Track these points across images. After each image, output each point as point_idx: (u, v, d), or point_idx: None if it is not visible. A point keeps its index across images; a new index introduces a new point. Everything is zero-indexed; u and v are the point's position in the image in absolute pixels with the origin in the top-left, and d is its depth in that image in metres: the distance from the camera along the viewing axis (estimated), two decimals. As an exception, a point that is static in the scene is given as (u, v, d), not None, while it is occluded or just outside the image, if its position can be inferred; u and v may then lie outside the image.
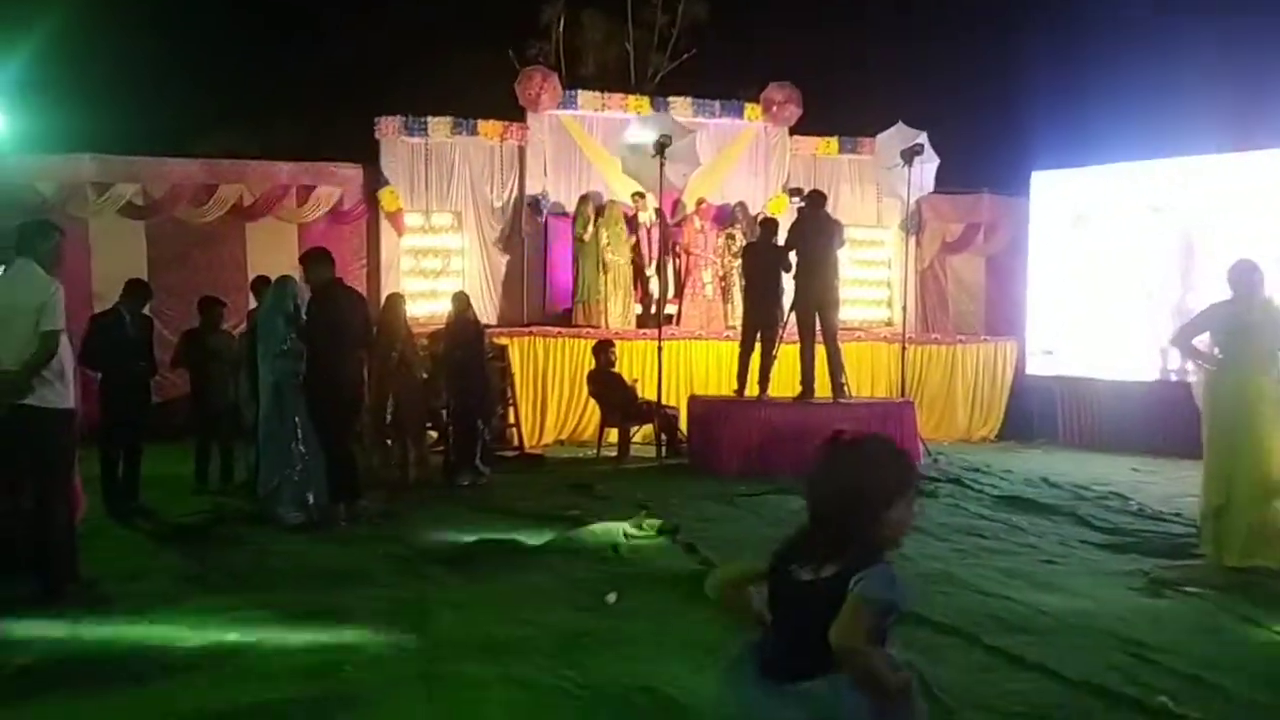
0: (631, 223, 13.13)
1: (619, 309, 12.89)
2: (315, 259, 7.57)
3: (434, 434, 10.18)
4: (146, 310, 8.26)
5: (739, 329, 11.03)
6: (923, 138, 10.90)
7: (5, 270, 5.63)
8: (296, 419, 7.36)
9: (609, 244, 12.82)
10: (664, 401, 10.80)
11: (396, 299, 9.75)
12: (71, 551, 5.49)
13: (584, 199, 13.11)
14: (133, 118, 13.15)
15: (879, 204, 14.74)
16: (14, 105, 8.12)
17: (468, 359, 9.48)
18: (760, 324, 10.32)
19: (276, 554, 6.48)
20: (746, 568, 2.39)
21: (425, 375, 9.72)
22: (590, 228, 12.87)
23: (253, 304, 9.13)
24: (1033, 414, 13.30)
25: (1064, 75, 15.48)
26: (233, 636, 4.73)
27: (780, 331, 10.43)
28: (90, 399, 7.56)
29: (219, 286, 10.54)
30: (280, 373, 7.41)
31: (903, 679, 2.18)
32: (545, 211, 13.62)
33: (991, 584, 5.75)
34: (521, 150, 13.69)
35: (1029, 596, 5.48)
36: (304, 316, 7.47)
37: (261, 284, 8.55)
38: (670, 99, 13.91)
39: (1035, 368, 13.22)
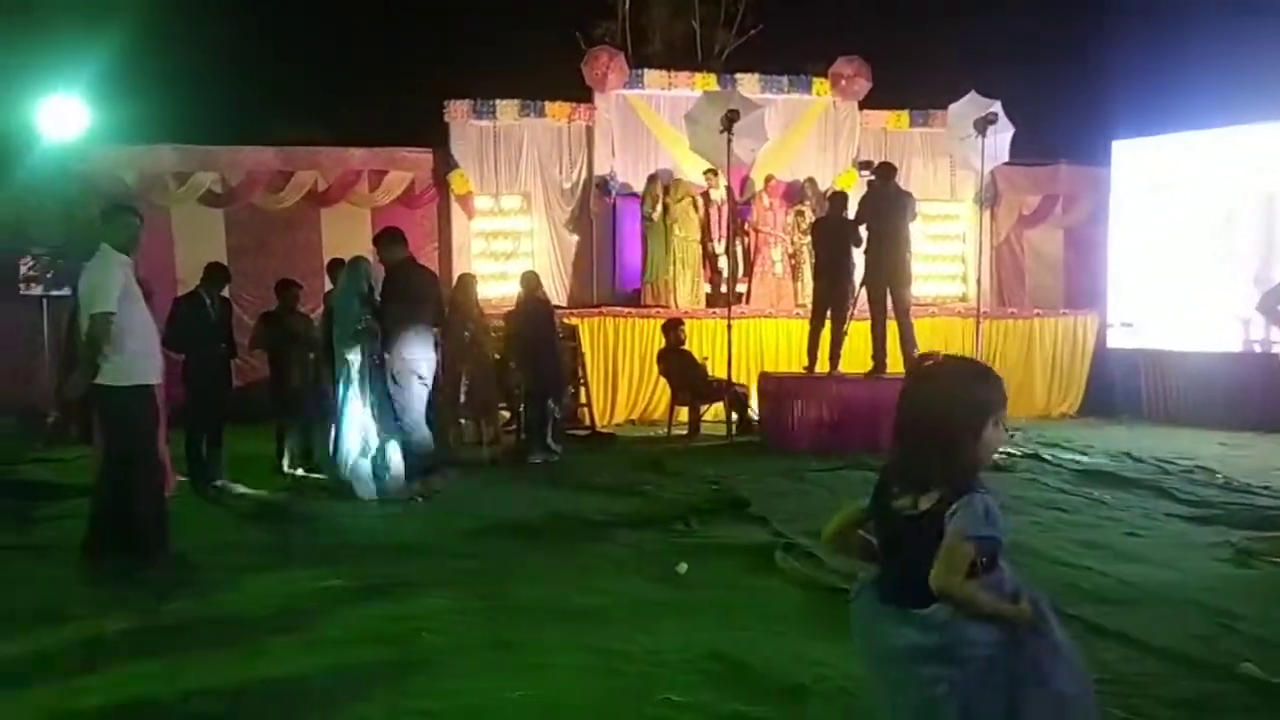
0: (703, 200, 13.08)
1: (687, 288, 12.87)
2: (389, 238, 7.70)
3: (507, 413, 10.29)
4: (225, 293, 8.47)
5: (809, 306, 10.94)
6: (996, 106, 10.66)
7: (92, 258, 5.82)
8: (372, 397, 7.49)
9: (677, 223, 12.80)
10: (734, 380, 10.77)
11: (468, 279, 9.86)
12: (161, 523, 5.68)
13: (652, 178, 13.09)
14: (211, 108, 13.46)
15: (952, 177, 14.49)
16: (99, 98, 8.33)
17: (538, 338, 9.55)
18: (830, 300, 10.22)
19: (354, 529, 6.63)
20: (853, 511, 2.41)
21: (497, 355, 9.83)
22: (658, 207, 12.86)
23: (328, 286, 9.30)
24: (1115, 388, 12.97)
25: (1145, 40, 15.00)
26: (313, 605, 4.85)
27: (851, 307, 10.32)
28: (174, 381, 7.78)
29: (295, 271, 10.73)
30: (357, 352, 7.55)
31: (1023, 609, 2.18)
32: (613, 192, 13.64)
33: (1071, 555, 5.64)
34: (589, 130, 13.72)
35: (1111, 567, 5.37)
36: (378, 296, 7.60)
37: (337, 266, 8.70)
38: (737, 76, 13.81)
39: (1116, 341, 12.89)
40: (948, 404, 2.22)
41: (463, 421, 9.58)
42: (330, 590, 5.10)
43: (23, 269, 11.04)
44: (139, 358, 5.48)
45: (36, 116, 7.84)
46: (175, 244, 12.48)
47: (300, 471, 8.56)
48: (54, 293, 10.92)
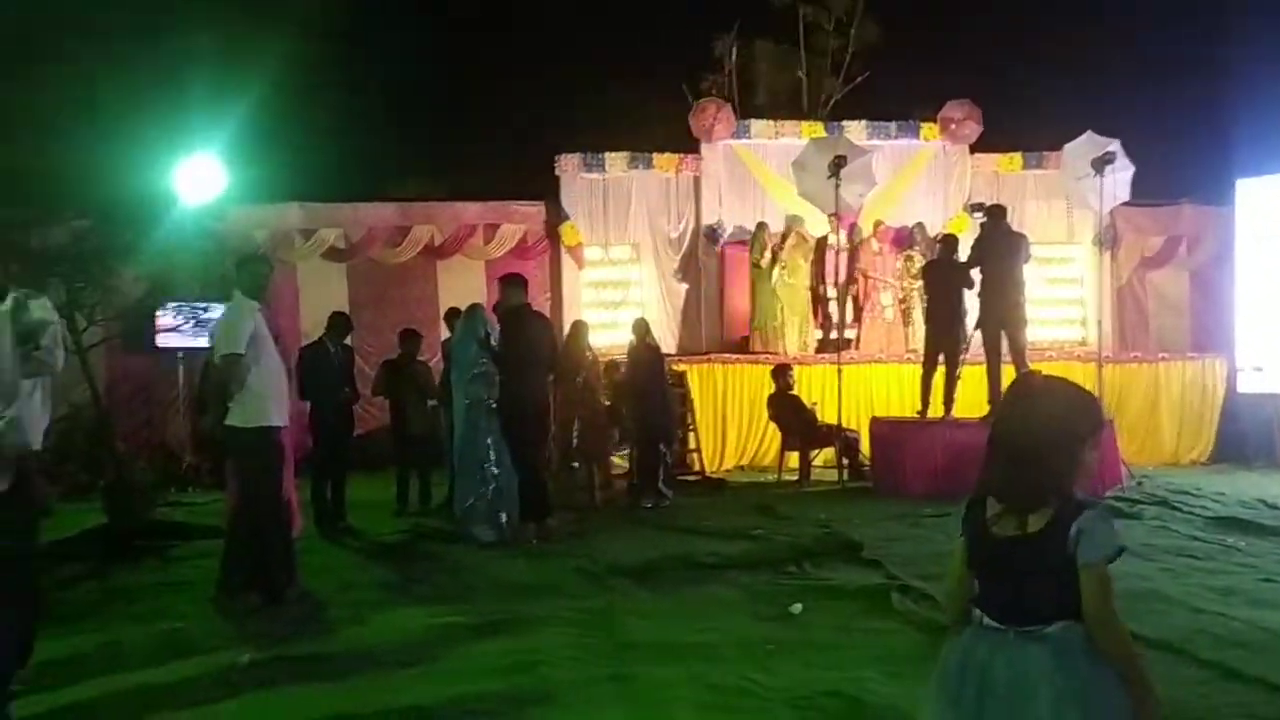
0: (818, 246, 13.09)
1: (795, 335, 12.84)
2: (512, 281, 7.98)
3: (618, 459, 10.39)
4: (348, 341, 8.81)
5: (920, 351, 10.81)
6: (1115, 145, 10.45)
7: (225, 307, 6.15)
8: (489, 440, 7.66)
9: (786, 269, 12.82)
10: (844, 425, 10.68)
11: (580, 326, 10.04)
12: (290, 561, 5.91)
13: (760, 226, 13.15)
14: (334, 167, 14.05)
15: (1069, 219, 14.19)
16: (233, 159, 8.81)
17: (648, 384, 9.65)
18: (943, 344, 10.09)
19: (472, 568, 6.77)
20: (957, 564, 2.37)
21: (608, 401, 9.96)
22: (766, 254, 12.90)
23: (444, 335, 9.58)
24: (1246, 435, 12.41)
25: (1269, 75, 14.54)
26: (435, 639, 4.98)
27: (963, 351, 10.16)
28: (301, 428, 8.10)
29: (412, 322, 11.07)
30: (473, 396, 7.75)
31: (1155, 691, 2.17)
32: (721, 240, 13.76)
33: (1205, 601, 5.43)
34: (697, 181, 13.90)
35: (1246, 613, 5.15)
36: (494, 343, 7.81)
37: (453, 315, 8.98)
38: (844, 123, 13.84)
39: (1247, 385, 12.36)
40: (1061, 420, 2.20)
41: (574, 466, 9.70)
42: (450, 626, 5.23)
43: (159, 322, 11.65)
44: (266, 400, 5.69)
45: (176, 178, 8.32)
46: (300, 297, 13.02)
47: (420, 515, 8.78)
48: (188, 345, 11.49)
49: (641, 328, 10.03)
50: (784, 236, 12.96)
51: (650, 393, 9.62)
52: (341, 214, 13.54)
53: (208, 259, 8.80)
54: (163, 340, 11.66)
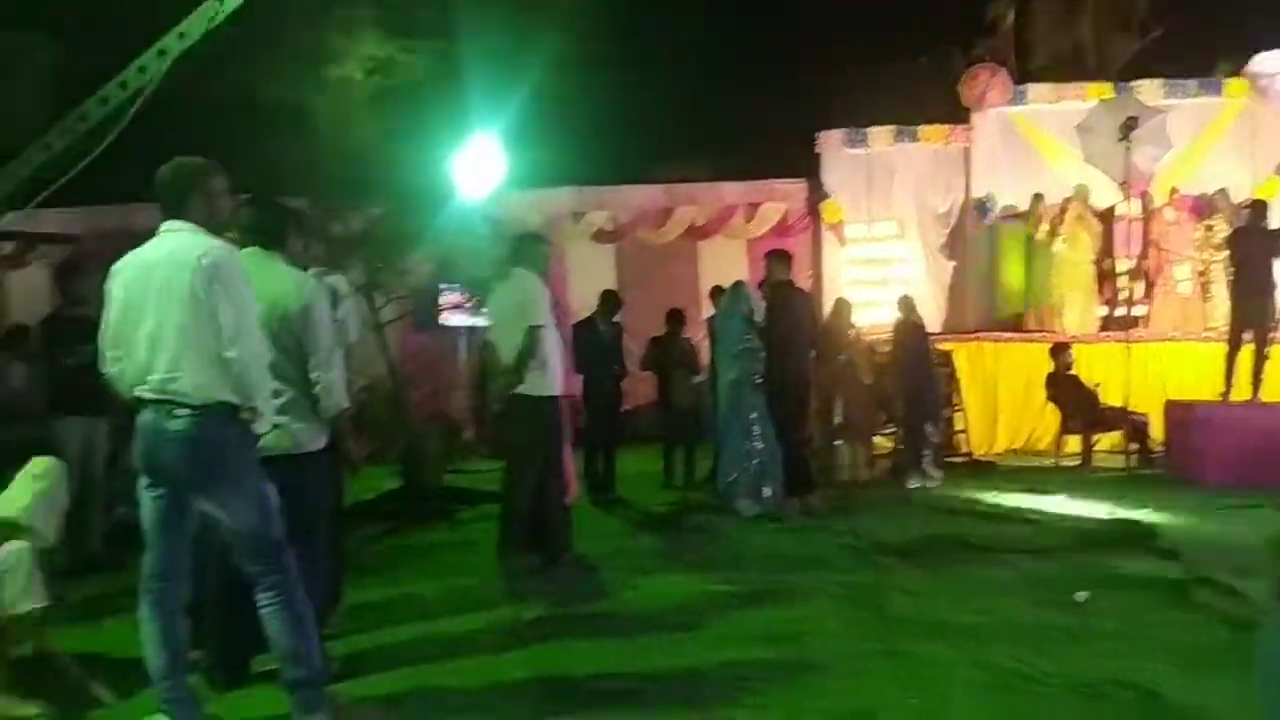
0: (1104, 217, 12.26)
1: (1076, 312, 12.07)
2: (778, 257, 8.08)
3: (883, 440, 10.19)
4: (617, 319, 9.11)
5: (1221, 328, 9.91)
6: None
7: (501, 284, 6.46)
8: (753, 415, 7.72)
9: (1066, 243, 12.08)
10: (1129, 408, 9.96)
11: (843, 304, 9.91)
12: (566, 527, 6.20)
13: (1037, 198, 12.44)
14: (604, 150, 14.51)
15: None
16: (512, 145, 9.28)
17: (913, 362, 9.41)
18: (1250, 318, 9.20)
19: (737, 540, 6.86)
20: None
21: (869, 380, 9.78)
22: (1043, 227, 12.21)
23: (707, 313, 9.70)
24: None
25: None
26: (704, 606, 5.09)
27: (1274, 327, 9.23)
28: (573, 401, 8.45)
29: (675, 301, 11.27)
30: (737, 371, 7.82)
31: None
32: (992, 214, 13.13)
33: None
34: (966, 152, 13.33)
35: None
36: (758, 319, 7.85)
37: (718, 292, 9.10)
38: (1136, 83, 12.82)
39: None
40: None
41: (837, 444, 9.59)
42: (718, 594, 5.33)
43: (444, 301, 12.47)
44: (554, 371, 5.99)
45: (458, 165, 8.86)
46: (568, 278, 13.57)
47: (685, 488, 8.97)
48: (470, 323, 12.23)
49: (907, 304, 9.83)
50: (1063, 208, 12.19)
51: (915, 371, 9.38)
52: (610, 196, 13.98)
53: (487, 243, 9.36)
54: (447, 318, 12.47)
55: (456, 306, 12.20)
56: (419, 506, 8.12)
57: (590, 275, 13.26)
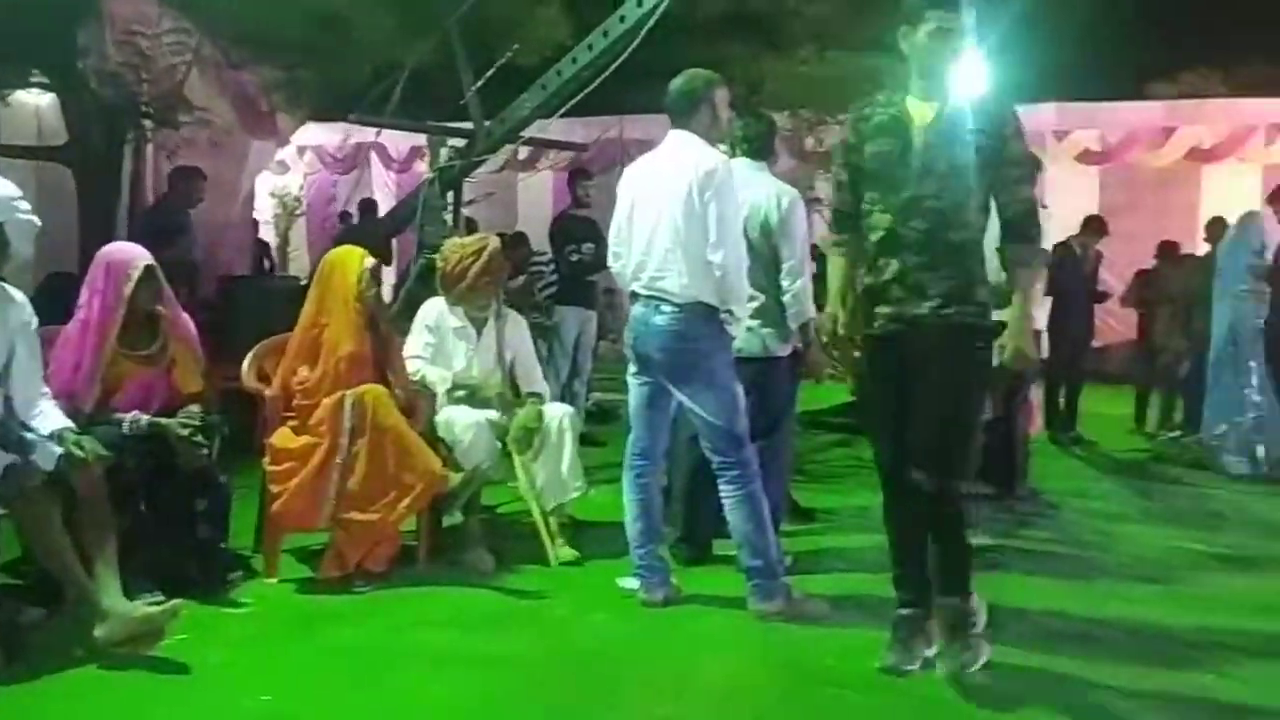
0: None
1: None
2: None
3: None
4: (1099, 246, 8.48)
5: None
6: None
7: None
8: (1253, 364, 6.89)
9: None
10: None
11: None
12: (1024, 459, 5.96)
13: None
14: (1094, 65, 13.35)
15: None
16: (993, 56, 8.82)
17: None
18: None
19: (1218, 499, 6.22)
20: None
21: None
22: None
23: (1203, 249, 8.71)
24: None
25: None
26: (1175, 563, 4.72)
27: None
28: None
29: (1169, 232, 10.21)
30: (1237, 314, 7.00)
31: None
32: None
33: None
34: None
35: None
36: (1268, 258, 6.94)
37: (1216, 225, 8.14)
38: None
39: None
40: None
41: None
42: (1193, 554, 4.91)
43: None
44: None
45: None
46: (1050, 202, 12.70)
47: (1163, 435, 8.24)
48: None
49: None
50: None
51: None
52: (1100, 115, 12.87)
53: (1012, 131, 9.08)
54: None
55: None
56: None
57: (1070, 200, 12.35)
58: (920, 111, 3.20)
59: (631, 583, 4.00)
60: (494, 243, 4.85)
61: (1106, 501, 6.08)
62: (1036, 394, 6.83)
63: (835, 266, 3.48)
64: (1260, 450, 6.84)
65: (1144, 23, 14.22)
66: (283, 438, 4.19)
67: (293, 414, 4.25)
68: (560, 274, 7.41)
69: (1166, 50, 14.36)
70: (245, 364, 4.51)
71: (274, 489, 4.09)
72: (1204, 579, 4.52)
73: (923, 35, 3.17)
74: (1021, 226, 3.22)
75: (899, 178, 3.19)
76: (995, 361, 3.29)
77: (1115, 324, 10.36)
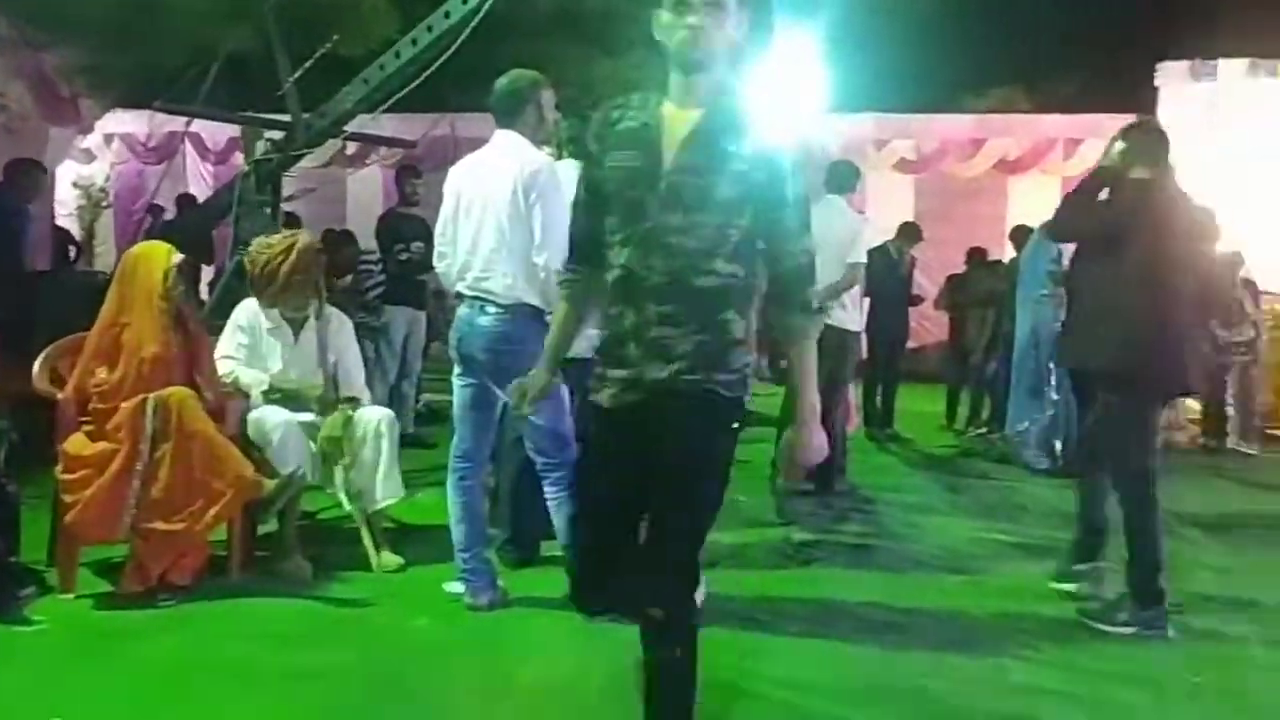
0: None
1: None
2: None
3: (1190, 402, 9.38)
4: (914, 251, 8.88)
5: None
6: None
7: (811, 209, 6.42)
8: (1052, 365, 7.32)
9: None
10: None
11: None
12: (844, 456, 6.19)
13: None
14: (910, 76, 13.98)
15: None
16: (815, 68, 9.12)
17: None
18: None
19: (1021, 492, 6.59)
20: None
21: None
22: None
23: (1010, 254, 9.23)
24: None
25: None
26: (980, 553, 4.97)
27: None
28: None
29: (978, 239, 10.79)
30: (1038, 318, 7.43)
31: None
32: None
33: None
34: (1336, 92, 11.76)
35: None
36: (1065, 265, 7.39)
37: (1021, 234, 8.64)
38: None
39: None
40: None
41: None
42: (997, 544, 5.20)
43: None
44: (857, 305, 6.00)
45: (762, 85, 8.79)
46: (868, 208, 13.24)
47: (971, 432, 8.68)
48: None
49: (1235, 260, 9.01)
50: None
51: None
52: (915, 126, 13.48)
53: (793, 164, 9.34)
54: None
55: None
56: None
57: (888, 207, 12.90)
58: (677, 120, 2.44)
59: (457, 587, 3.94)
60: (304, 239, 4.66)
61: (919, 495, 6.38)
62: (855, 393, 7.08)
63: (557, 314, 2.79)
64: (1058, 445, 7.28)
65: (958, 40, 14.98)
66: (77, 444, 3.93)
67: (89, 419, 3.98)
68: (389, 273, 7.23)
69: (977, 66, 15.18)
70: (36, 365, 4.21)
71: (67, 498, 3.84)
72: (1006, 567, 4.80)
73: (667, 13, 2.43)
74: (798, 287, 2.47)
75: (643, 202, 2.40)
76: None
77: (929, 326, 10.88)
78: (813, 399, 2.48)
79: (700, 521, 2.49)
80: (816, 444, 2.47)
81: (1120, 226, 4.01)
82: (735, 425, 2.49)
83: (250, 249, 4.69)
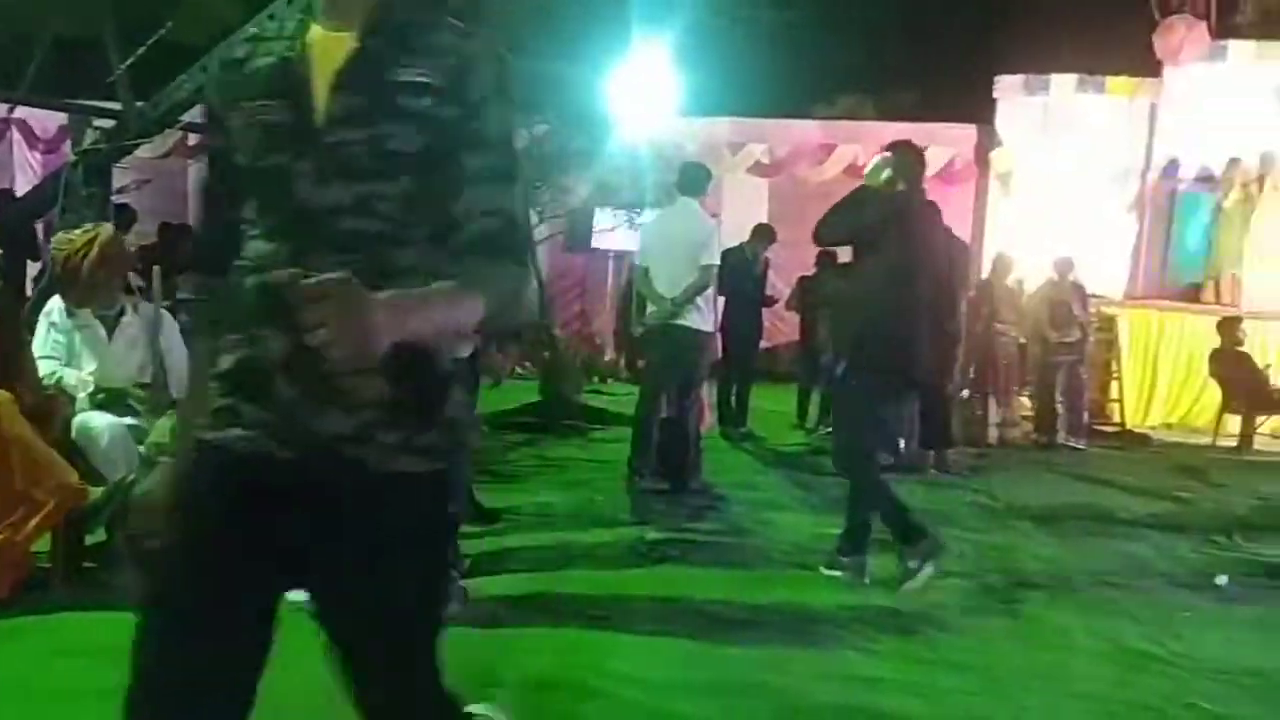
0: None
1: (1271, 285, 11.24)
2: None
3: (1023, 399, 9.89)
4: (768, 253, 9.06)
5: None
6: None
7: (663, 210, 6.50)
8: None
9: (1261, 213, 11.29)
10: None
11: (1003, 259, 9.60)
12: (698, 456, 6.27)
13: (1232, 162, 11.63)
14: (765, 82, 14.26)
15: None
16: (671, 72, 9.26)
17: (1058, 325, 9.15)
18: None
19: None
20: None
21: (1022, 340, 9.47)
22: (1234, 194, 11.44)
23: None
24: None
25: None
26: (826, 547, 5.08)
27: None
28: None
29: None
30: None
31: None
32: (1177, 177, 12.36)
33: None
34: (1154, 108, 12.55)
35: None
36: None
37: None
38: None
39: None
40: None
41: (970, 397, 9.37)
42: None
43: (596, 224, 12.56)
44: (711, 308, 6.07)
45: (621, 89, 8.87)
46: (722, 210, 13.46)
47: (822, 430, 8.91)
48: (621, 247, 12.33)
49: (1064, 265, 9.50)
50: (1261, 176, 11.40)
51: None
52: (769, 130, 13.79)
53: (645, 166, 9.39)
54: (599, 241, 12.58)
55: (610, 229, 12.27)
56: (556, 421, 8.33)
57: (742, 209, 13.15)
58: (330, 47, 1.56)
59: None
60: (105, 231, 4.40)
61: (771, 493, 6.51)
62: (709, 392, 7.19)
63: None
64: (901, 443, 7.54)
65: (810, 48, 15.36)
66: (-118, 452, 3.64)
67: (-108, 426, 3.69)
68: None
69: (828, 75, 15.61)
70: None
71: None
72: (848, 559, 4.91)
73: None
74: (494, 239, 1.55)
75: (290, 172, 1.54)
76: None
77: (781, 326, 11.13)
78: (423, 305, 1.45)
79: (431, 642, 1.67)
80: (370, 328, 1.33)
81: (872, 233, 4.42)
82: (443, 511, 1.70)
83: (53, 245, 4.41)
